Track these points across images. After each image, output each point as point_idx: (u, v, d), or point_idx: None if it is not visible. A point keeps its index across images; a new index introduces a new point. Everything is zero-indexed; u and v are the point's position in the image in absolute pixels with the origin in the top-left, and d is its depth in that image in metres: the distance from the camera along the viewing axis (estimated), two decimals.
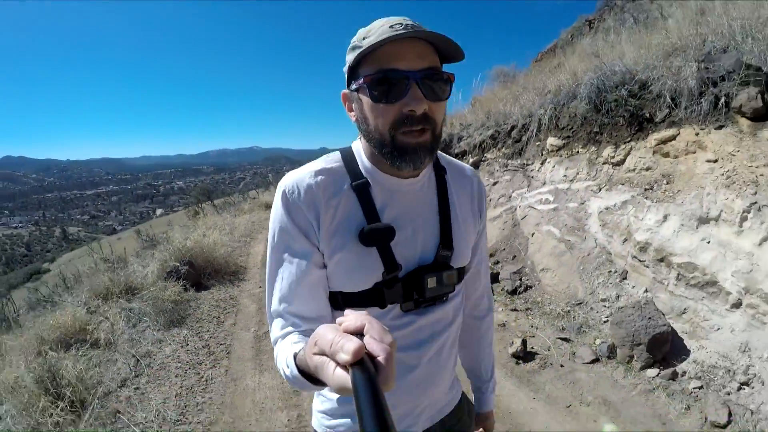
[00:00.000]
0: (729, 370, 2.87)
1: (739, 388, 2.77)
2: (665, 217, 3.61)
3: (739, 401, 2.71)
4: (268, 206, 11.11)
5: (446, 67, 0.84)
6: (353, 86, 0.83)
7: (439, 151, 0.98)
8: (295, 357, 0.68)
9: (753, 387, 2.75)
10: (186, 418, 2.58)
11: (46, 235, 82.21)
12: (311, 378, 0.62)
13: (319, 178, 0.87)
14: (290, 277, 0.86)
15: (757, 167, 3.26)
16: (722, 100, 3.60)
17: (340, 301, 0.89)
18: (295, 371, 0.67)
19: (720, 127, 3.61)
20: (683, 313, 3.32)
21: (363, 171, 0.90)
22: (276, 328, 0.87)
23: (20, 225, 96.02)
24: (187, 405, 2.70)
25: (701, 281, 3.26)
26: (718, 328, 3.10)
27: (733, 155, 3.46)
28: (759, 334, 2.91)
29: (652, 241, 3.59)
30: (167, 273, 4.67)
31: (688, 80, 3.87)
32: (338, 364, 0.47)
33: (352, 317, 0.50)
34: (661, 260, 3.51)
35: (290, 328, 0.84)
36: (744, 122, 3.51)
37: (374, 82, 0.77)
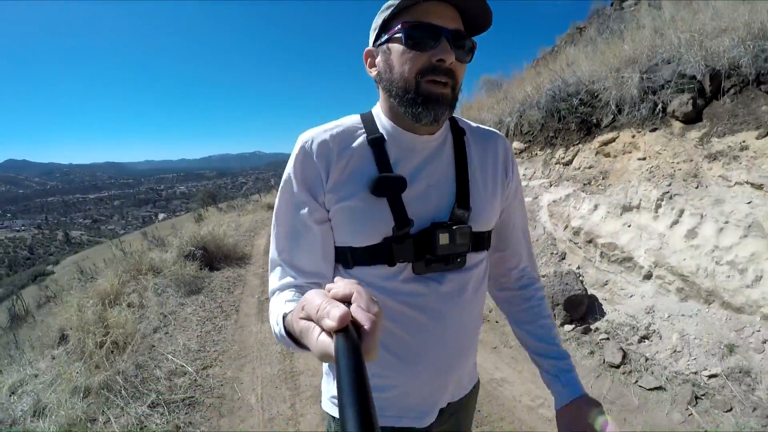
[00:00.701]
0: (633, 327, 3.64)
1: (640, 341, 3.51)
2: (595, 206, 4.45)
3: (638, 350, 3.45)
4: (270, 207, 12.02)
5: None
6: (384, 37, 0.87)
7: (459, 117, 1.04)
8: (284, 318, 0.70)
9: (651, 340, 3.54)
10: (205, 349, 3.49)
11: (49, 239, 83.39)
12: (297, 341, 0.64)
13: (335, 131, 0.91)
14: (289, 229, 0.90)
15: (677, 163, 4.01)
16: (659, 106, 4.33)
17: (348, 258, 0.91)
18: (283, 331, 0.69)
19: (654, 130, 4.35)
20: (605, 284, 4.15)
21: (380, 128, 0.93)
22: (275, 278, 0.90)
23: (23, 228, 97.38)
24: (205, 342, 3.62)
25: (620, 258, 4.06)
26: (632, 296, 3.90)
27: (660, 153, 4.23)
28: (663, 299, 3.71)
29: (583, 226, 4.44)
30: (185, 256, 5.59)
31: (631, 89, 4.63)
32: (323, 330, 0.48)
33: (341, 284, 0.52)
34: (590, 242, 4.35)
35: (289, 279, 0.88)
36: (677, 125, 4.23)
37: (411, 28, 0.82)
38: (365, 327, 0.46)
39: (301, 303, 0.55)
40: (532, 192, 5.37)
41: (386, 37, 0.86)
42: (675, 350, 3.33)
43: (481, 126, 1.06)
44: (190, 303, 4.50)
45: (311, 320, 0.51)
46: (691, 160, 3.93)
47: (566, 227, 4.72)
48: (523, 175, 5.66)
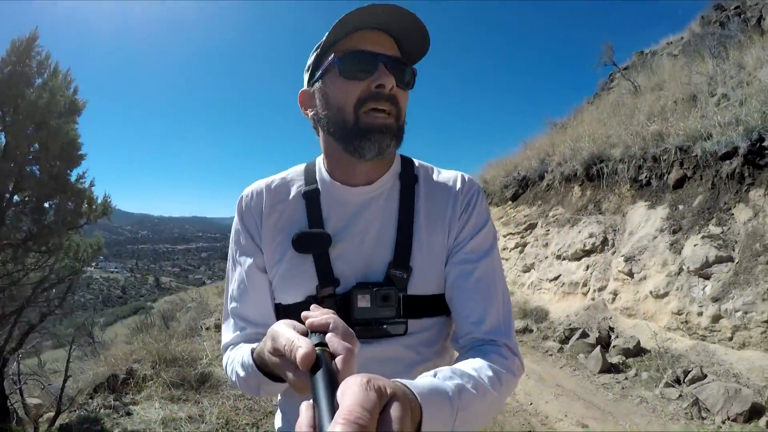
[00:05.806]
0: None
1: None
2: None
3: None
4: None
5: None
6: (318, 73, 0.90)
7: (420, 161, 1.01)
8: (252, 352, 0.77)
9: None
10: None
11: (140, 282, 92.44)
12: (268, 374, 0.71)
13: (273, 184, 0.98)
14: (239, 279, 0.96)
15: (494, 219, 11.84)
16: (506, 193, 12.15)
17: (280, 314, 0.94)
18: (255, 367, 0.75)
19: (497, 204, 12.23)
20: None
21: (318, 180, 0.96)
22: (227, 331, 0.97)
23: (116, 270, 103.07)
24: None
25: None
26: None
27: (494, 214, 12.06)
28: None
29: None
30: None
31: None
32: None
33: (318, 313, 0.56)
34: None
35: (238, 333, 0.94)
36: (509, 203, 11.95)
37: (346, 56, 0.84)
38: (339, 358, 0.49)
39: (270, 334, 0.61)
40: None
41: (321, 71, 0.89)
42: None
43: (443, 172, 1.00)
44: None
45: (282, 355, 0.55)
46: (496, 218, 11.58)
47: None
48: None
